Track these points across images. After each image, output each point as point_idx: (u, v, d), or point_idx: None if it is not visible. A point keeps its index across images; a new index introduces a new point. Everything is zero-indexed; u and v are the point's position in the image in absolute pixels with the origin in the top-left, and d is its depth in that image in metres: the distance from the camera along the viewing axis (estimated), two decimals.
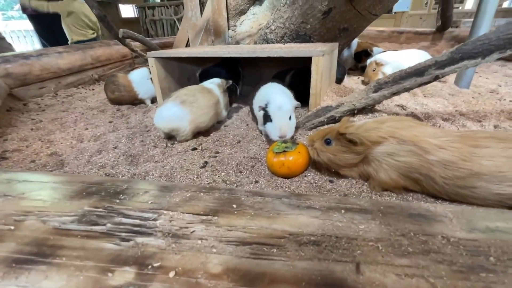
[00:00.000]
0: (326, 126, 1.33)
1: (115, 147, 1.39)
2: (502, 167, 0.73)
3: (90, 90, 2.74)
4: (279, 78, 1.87)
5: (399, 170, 0.84)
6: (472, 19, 1.76)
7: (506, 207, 0.76)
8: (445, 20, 3.54)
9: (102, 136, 1.55)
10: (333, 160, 0.94)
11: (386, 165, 0.86)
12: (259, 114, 1.28)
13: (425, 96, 1.83)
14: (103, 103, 2.23)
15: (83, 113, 1.98)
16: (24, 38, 7.27)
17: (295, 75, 1.79)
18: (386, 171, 0.86)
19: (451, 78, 2.07)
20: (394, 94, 1.26)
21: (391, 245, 0.44)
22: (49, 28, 3.61)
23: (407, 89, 1.23)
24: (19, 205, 0.57)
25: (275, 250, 0.44)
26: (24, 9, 3.49)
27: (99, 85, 2.95)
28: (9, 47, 3.59)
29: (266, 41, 2.12)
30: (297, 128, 1.29)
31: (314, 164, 1.12)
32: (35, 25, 3.70)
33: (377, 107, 1.55)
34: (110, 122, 1.76)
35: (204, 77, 1.89)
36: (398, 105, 1.61)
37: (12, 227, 0.50)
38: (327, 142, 0.94)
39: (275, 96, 1.22)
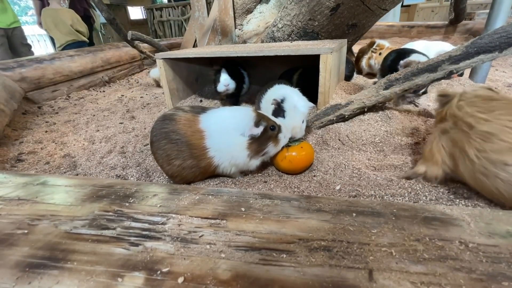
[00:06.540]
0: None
1: (125, 148, 1.41)
2: None
3: (100, 92, 2.80)
4: (286, 76, 1.84)
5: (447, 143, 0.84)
6: (487, 11, 1.69)
7: None
8: (459, 12, 3.41)
9: (113, 137, 1.57)
10: None
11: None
12: (269, 107, 1.22)
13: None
14: (113, 104, 2.27)
15: (94, 115, 2.02)
16: (38, 42, 7.50)
17: (303, 73, 1.77)
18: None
19: (466, 72, 1.99)
20: (406, 91, 1.23)
21: (405, 251, 0.42)
22: None
23: (419, 86, 1.20)
24: (33, 209, 0.58)
25: (284, 256, 0.43)
26: None
27: (110, 87, 3.00)
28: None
29: (273, 39, 2.09)
30: (307, 128, 1.26)
31: (322, 164, 1.10)
32: None
33: (388, 104, 1.51)
34: (121, 123, 1.79)
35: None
36: (410, 102, 1.56)
37: (26, 231, 0.51)
38: None
39: (292, 94, 1.19)
